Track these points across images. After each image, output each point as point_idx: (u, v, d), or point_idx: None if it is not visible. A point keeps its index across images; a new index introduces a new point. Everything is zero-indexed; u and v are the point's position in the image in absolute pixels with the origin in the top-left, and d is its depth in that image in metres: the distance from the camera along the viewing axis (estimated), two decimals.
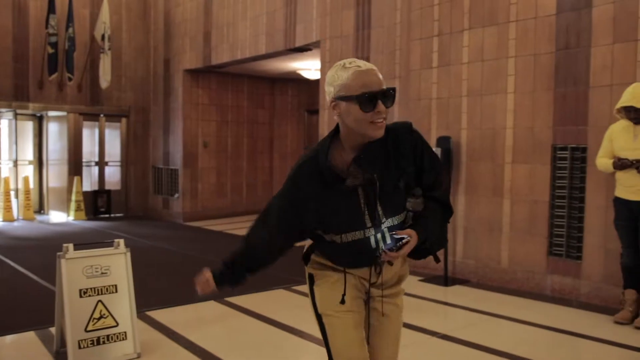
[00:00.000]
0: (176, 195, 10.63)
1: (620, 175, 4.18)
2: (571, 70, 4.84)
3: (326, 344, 1.94)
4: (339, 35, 7.24)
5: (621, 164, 4.11)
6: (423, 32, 6.00)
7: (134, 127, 11.51)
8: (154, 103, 11.25)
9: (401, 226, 1.82)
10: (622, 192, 4.19)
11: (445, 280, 5.45)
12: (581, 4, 4.76)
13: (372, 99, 1.69)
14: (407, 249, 1.74)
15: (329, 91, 1.77)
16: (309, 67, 9.81)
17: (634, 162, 4.04)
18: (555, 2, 4.93)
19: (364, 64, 1.73)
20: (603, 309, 4.52)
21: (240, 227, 9.76)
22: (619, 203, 4.23)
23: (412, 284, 5.54)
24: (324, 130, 7.47)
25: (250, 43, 8.91)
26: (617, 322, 4.21)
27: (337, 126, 1.82)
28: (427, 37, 5.96)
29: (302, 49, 8.27)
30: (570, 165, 4.89)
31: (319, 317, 1.95)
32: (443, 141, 5.54)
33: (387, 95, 1.72)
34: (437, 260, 1.97)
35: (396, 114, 6.55)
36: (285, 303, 4.98)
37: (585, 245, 4.77)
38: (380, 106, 1.70)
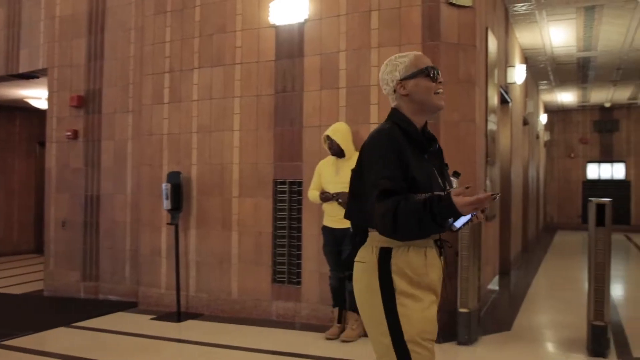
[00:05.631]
0: None
1: (325, 206, 4.71)
2: (288, 111, 5.32)
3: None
4: (69, 64, 6.81)
5: (325, 197, 4.64)
6: (155, 68, 6.00)
7: None
8: None
9: None
10: (327, 221, 4.72)
11: (178, 316, 5.41)
12: (295, 53, 5.30)
13: (435, 71, 2.03)
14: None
15: (393, 77, 2.05)
16: (38, 96, 8.99)
17: (334, 195, 4.59)
18: (274, 49, 5.40)
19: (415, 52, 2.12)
20: (320, 328, 4.95)
21: None
22: (326, 231, 4.74)
23: (142, 323, 5.35)
24: (52, 164, 6.88)
25: None
26: (327, 339, 4.67)
27: (393, 112, 2.08)
28: (159, 72, 5.97)
29: (28, 76, 7.56)
30: (289, 198, 5.33)
31: (401, 340, 1.91)
32: (173, 176, 5.55)
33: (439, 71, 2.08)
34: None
35: (129, 148, 6.38)
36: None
37: (304, 271, 5.22)
38: (440, 77, 2.04)
